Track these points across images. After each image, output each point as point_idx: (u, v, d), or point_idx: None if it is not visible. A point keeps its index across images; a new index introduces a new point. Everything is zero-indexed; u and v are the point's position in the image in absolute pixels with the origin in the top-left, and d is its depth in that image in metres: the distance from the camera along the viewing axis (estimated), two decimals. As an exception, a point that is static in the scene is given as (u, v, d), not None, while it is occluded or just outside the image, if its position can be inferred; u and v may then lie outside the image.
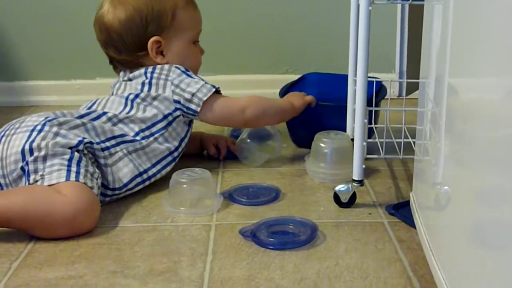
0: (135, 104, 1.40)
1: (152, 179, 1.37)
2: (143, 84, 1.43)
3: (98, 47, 2.08)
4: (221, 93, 1.45)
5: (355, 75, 1.47)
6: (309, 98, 1.54)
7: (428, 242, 1.01)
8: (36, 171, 1.22)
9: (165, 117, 1.41)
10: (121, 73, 1.49)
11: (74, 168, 1.22)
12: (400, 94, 1.60)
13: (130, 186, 1.33)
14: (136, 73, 1.45)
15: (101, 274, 1.05)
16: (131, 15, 1.42)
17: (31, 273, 1.06)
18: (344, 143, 1.42)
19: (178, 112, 1.42)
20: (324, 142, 1.42)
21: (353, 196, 1.28)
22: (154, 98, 1.41)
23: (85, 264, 1.08)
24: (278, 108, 1.50)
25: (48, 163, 1.22)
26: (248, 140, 1.51)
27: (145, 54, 1.45)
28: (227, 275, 1.04)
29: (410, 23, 1.57)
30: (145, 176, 1.36)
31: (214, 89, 1.42)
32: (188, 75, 1.43)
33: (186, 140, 1.45)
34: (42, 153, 1.23)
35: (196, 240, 1.16)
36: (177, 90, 1.41)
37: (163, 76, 1.43)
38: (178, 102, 1.41)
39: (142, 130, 1.38)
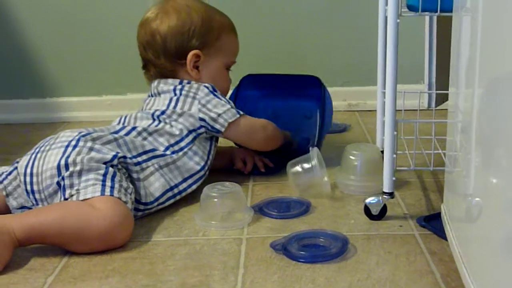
0: (161, 119, 1.43)
1: (183, 194, 1.39)
2: (170, 100, 1.45)
3: (128, 64, 2.12)
4: (243, 115, 1.48)
5: (384, 87, 1.47)
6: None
7: (460, 254, 1.00)
8: (71, 186, 1.24)
9: (190, 132, 1.43)
10: (152, 84, 1.51)
11: (108, 183, 1.24)
12: (429, 106, 1.60)
13: (161, 200, 1.35)
14: (165, 88, 1.47)
15: (134, 288, 1.06)
16: (181, 23, 1.46)
17: (65, 288, 1.07)
18: (374, 155, 1.42)
19: (202, 129, 1.44)
20: (354, 154, 1.42)
21: (384, 209, 1.28)
22: (180, 115, 1.43)
23: (118, 278, 1.10)
24: (281, 133, 1.55)
25: (83, 178, 1.24)
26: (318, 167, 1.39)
27: (182, 64, 1.48)
28: (259, 288, 1.05)
29: (438, 34, 1.57)
30: (176, 190, 1.37)
31: (238, 115, 1.45)
32: (215, 96, 1.45)
33: (212, 153, 1.47)
34: (78, 168, 1.25)
35: (227, 253, 1.17)
36: (204, 109, 1.43)
37: (191, 94, 1.45)
38: (203, 120, 1.43)
39: (172, 145, 1.40)
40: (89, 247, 1.18)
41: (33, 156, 1.32)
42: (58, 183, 1.26)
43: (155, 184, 1.34)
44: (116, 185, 1.24)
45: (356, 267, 1.10)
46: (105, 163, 1.27)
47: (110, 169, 1.27)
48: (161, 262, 1.15)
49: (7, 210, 1.32)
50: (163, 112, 1.44)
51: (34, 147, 1.35)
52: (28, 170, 1.30)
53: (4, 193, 1.32)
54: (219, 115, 1.43)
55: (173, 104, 1.44)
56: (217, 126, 1.44)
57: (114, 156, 1.29)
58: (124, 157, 1.31)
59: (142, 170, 1.34)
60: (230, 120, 1.44)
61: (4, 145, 1.94)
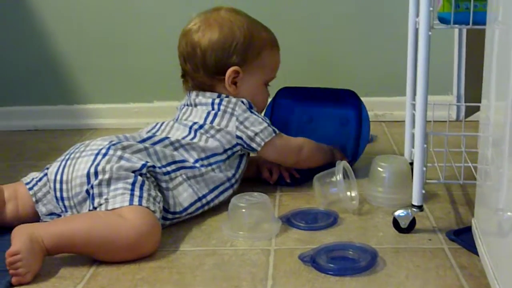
0: (198, 134, 1.42)
1: (211, 204, 1.39)
2: (208, 113, 1.45)
3: (155, 72, 2.14)
4: (280, 133, 1.48)
5: (413, 98, 1.47)
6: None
7: (492, 269, 0.99)
8: (100, 194, 1.25)
9: (225, 151, 1.43)
10: (188, 95, 1.51)
11: (137, 192, 1.24)
12: (458, 117, 1.60)
13: (190, 210, 1.35)
14: (203, 100, 1.47)
15: (163, 298, 1.07)
16: (223, 38, 1.45)
17: (95, 296, 1.08)
18: (402, 167, 1.41)
19: (238, 147, 1.44)
20: (382, 166, 1.41)
21: (413, 222, 1.27)
22: (218, 131, 1.43)
23: (147, 287, 1.10)
24: (324, 153, 1.55)
25: (112, 187, 1.25)
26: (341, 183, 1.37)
27: (220, 79, 1.47)
28: (287, 300, 1.05)
29: (467, 46, 1.56)
30: (204, 201, 1.38)
31: (274, 134, 1.45)
32: (252, 112, 1.45)
33: (242, 167, 1.47)
34: (107, 176, 1.26)
35: (255, 264, 1.17)
36: (241, 127, 1.43)
37: (229, 110, 1.44)
38: (240, 138, 1.43)
39: (201, 159, 1.40)
40: (117, 256, 1.19)
41: (63, 163, 1.33)
42: (87, 191, 1.27)
43: (183, 194, 1.35)
44: (145, 194, 1.25)
45: (385, 281, 1.09)
46: (134, 171, 1.28)
47: (139, 178, 1.27)
48: (190, 272, 1.15)
49: (36, 216, 1.33)
50: (201, 126, 1.43)
51: (64, 153, 1.36)
52: (58, 177, 1.31)
53: (34, 199, 1.34)
54: (256, 134, 1.43)
55: (210, 118, 1.44)
56: (254, 145, 1.44)
57: (143, 165, 1.30)
58: (153, 166, 1.32)
59: (171, 179, 1.34)
60: (266, 140, 1.44)
61: (33, 151, 1.95)
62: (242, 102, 1.45)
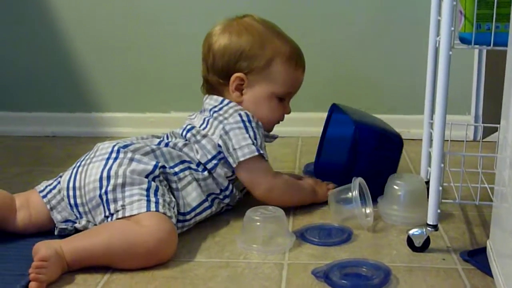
0: (187, 138, 1.43)
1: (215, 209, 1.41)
2: (204, 120, 1.45)
3: (172, 82, 2.15)
4: (263, 157, 1.42)
5: (431, 117, 1.47)
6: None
7: (507, 292, 0.99)
8: (115, 200, 1.26)
9: (212, 158, 1.40)
10: (203, 99, 1.51)
11: (153, 198, 1.25)
12: (475, 138, 1.59)
13: (198, 210, 1.36)
14: (207, 105, 1.47)
15: (176, 308, 1.07)
16: (230, 45, 1.45)
17: (107, 304, 1.08)
18: (418, 186, 1.41)
19: (222, 155, 1.41)
20: (398, 184, 1.41)
21: (427, 241, 1.27)
22: (204, 136, 1.42)
23: (159, 297, 1.10)
24: (301, 197, 1.48)
25: (127, 192, 1.26)
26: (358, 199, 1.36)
27: (226, 84, 1.47)
28: (299, 315, 1.04)
29: (487, 66, 1.56)
30: (210, 200, 1.39)
31: (256, 153, 1.39)
32: (245, 126, 1.41)
33: (236, 180, 1.44)
34: (120, 180, 1.27)
35: (269, 278, 1.17)
36: (225, 137, 1.40)
37: (220, 118, 1.43)
38: (220, 146, 1.41)
39: (201, 163, 1.40)
40: (136, 264, 1.19)
41: (75, 170, 1.34)
42: (100, 196, 1.28)
43: (192, 194, 1.36)
44: (160, 200, 1.26)
45: (398, 299, 1.09)
46: (147, 175, 1.29)
47: (153, 183, 1.28)
48: (203, 284, 1.15)
49: (51, 223, 1.34)
50: (189, 130, 1.43)
51: (76, 161, 1.37)
52: (71, 184, 1.32)
53: (48, 206, 1.34)
54: (234, 149, 1.39)
55: (204, 125, 1.44)
56: (230, 160, 1.40)
57: (155, 166, 1.31)
58: (164, 167, 1.33)
59: (180, 180, 1.35)
60: (242, 158, 1.39)
61: (49, 158, 1.96)
62: (240, 114, 1.43)
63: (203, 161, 1.40)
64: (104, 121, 2.21)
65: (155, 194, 1.27)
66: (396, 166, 1.55)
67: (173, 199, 1.31)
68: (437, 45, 1.27)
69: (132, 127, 2.19)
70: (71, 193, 1.32)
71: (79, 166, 1.34)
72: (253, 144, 1.40)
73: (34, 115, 2.22)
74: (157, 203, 1.25)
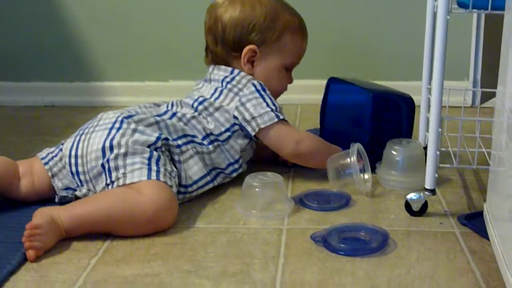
0: (199, 109, 1.43)
1: (219, 181, 1.41)
2: (215, 89, 1.45)
3: (171, 51, 2.15)
4: (285, 120, 1.43)
5: (429, 83, 1.47)
6: None
7: (502, 253, 1.00)
8: (117, 168, 1.27)
9: (225, 131, 1.41)
10: (208, 69, 1.50)
11: (154, 167, 1.26)
12: (473, 103, 1.59)
13: (200, 184, 1.37)
14: (217, 76, 1.47)
15: (176, 273, 1.08)
16: (243, 16, 1.45)
17: (108, 270, 1.09)
18: (416, 151, 1.42)
19: (236, 127, 1.42)
20: (396, 150, 1.42)
21: (425, 205, 1.28)
22: (217, 109, 1.42)
23: (160, 262, 1.12)
24: (330, 152, 1.45)
25: (129, 160, 1.27)
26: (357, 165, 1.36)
27: (237, 56, 1.46)
28: (298, 279, 1.06)
29: (486, 31, 1.55)
30: (213, 173, 1.39)
31: (276, 119, 1.41)
32: (261, 95, 1.42)
33: (248, 152, 1.46)
34: (122, 150, 1.28)
35: (268, 243, 1.18)
36: (241, 108, 1.41)
37: (235, 89, 1.43)
38: (236, 118, 1.41)
39: (208, 135, 1.40)
40: (136, 231, 1.20)
41: (78, 138, 1.34)
42: (102, 165, 1.28)
43: (194, 168, 1.36)
44: (161, 169, 1.26)
45: (395, 262, 1.10)
46: (149, 146, 1.30)
47: (155, 152, 1.29)
48: (202, 249, 1.16)
49: (52, 191, 1.35)
50: (201, 102, 1.43)
51: (78, 129, 1.38)
52: (73, 152, 1.33)
53: (49, 174, 1.35)
54: (253, 117, 1.40)
55: (216, 95, 1.44)
56: (249, 129, 1.41)
57: (158, 138, 1.31)
58: (167, 139, 1.33)
59: (182, 153, 1.36)
60: (263, 126, 1.40)
61: (49, 127, 1.97)
62: (254, 84, 1.43)
63: (216, 133, 1.40)
64: (103, 90, 2.21)
65: (157, 163, 1.27)
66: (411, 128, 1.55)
67: (175, 169, 1.32)
68: (435, 10, 1.26)
69: (131, 95, 2.19)
70: (73, 161, 1.33)
71: (81, 134, 1.34)
72: (271, 110, 1.41)
73: (32, 85, 2.22)
74: (158, 171, 1.26)
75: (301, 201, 1.34)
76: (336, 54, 2.13)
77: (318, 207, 1.32)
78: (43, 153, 1.39)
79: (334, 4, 2.10)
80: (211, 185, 1.40)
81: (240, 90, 1.43)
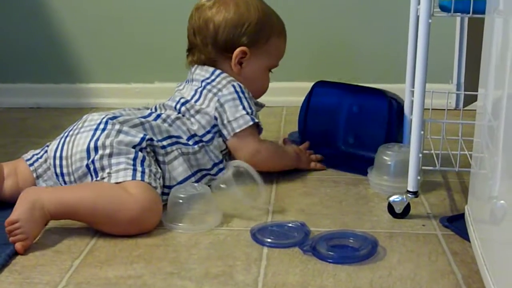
0: (182, 110, 1.44)
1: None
2: (195, 91, 1.46)
3: (157, 52, 2.15)
4: (258, 125, 1.46)
5: (412, 85, 1.48)
6: (315, 165, 1.55)
7: (483, 256, 1.00)
8: (102, 168, 1.27)
9: (207, 132, 1.42)
10: (191, 70, 1.51)
11: (139, 168, 1.26)
12: (457, 106, 1.60)
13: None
14: (197, 76, 1.48)
15: (159, 275, 1.08)
16: (237, 18, 1.46)
17: (91, 271, 1.09)
18: (407, 156, 1.41)
19: (217, 128, 1.44)
20: (387, 155, 1.42)
21: (407, 207, 1.28)
22: (197, 112, 1.43)
23: (143, 264, 1.12)
24: (285, 161, 1.51)
25: (114, 160, 1.27)
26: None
27: (227, 57, 1.48)
28: (280, 280, 1.06)
29: (468, 35, 1.56)
30: (199, 174, 1.39)
31: (251, 123, 1.42)
32: (239, 97, 1.44)
33: (226, 154, 1.46)
34: (107, 151, 1.28)
35: (250, 245, 1.18)
36: (220, 109, 1.42)
37: (214, 90, 1.44)
38: (216, 119, 1.43)
39: (193, 136, 1.41)
40: (118, 229, 1.21)
41: (63, 140, 1.35)
42: (87, 166, 1.29)
43: (178, 169, 1.36)
44: (146, 170, 1.27)
45: (377, 264, 1.11)
46: (134, 146, 1.30)
47: (140, 153, 1.29)
48: (185, 251, 1.17)
49: (36, 192, 1.34)
50: (183, 104, 1.44)
51: (63, 131, 1.38)
52: (58, 154, 1.33)
53: (34, 175, 1.35)
54: (229, 121, 1.42)
55: (196, 96, 1.45)
56: (225, 132, 1.43)
57: (142, 139, 1.31)
58: (151, 139, 1.33)
59: (167, 154, 1.36)
60: (237, 130, 1.42)
61: (35, 129, 1.97)
62: (233, 85, 1.44)
63: (199, 134, 1.41)
64: (89, 92, 2.21)
65: (142, 164, 1.28)
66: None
67: (159, 170, 1.32)
68: (418, 13, 1.27)
69: (117, 97, 2.19)
70: (57, 162, 1.33)
71: (66, 136, 1.35)
72: (247, 114, 1.43)
73: (18, 86, 2.22)
74: (143, 172, 1.26)
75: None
76: (322, 57, 2.14)
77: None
78: (28, 155, 1.39)
79: (319, 7, 2.11)
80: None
81: (220, 90, 1.44)
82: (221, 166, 1.44)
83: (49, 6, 2.15)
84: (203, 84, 1.46)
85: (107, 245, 1.19)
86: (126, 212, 1.20)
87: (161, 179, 1.31)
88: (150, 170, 1.28)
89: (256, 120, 1.44)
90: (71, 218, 1.22)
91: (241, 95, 1.44)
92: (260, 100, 1.55)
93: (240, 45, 1.47)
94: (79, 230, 1.23)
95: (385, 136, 1.52)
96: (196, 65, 1.50)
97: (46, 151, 1.37)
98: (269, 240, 1.19)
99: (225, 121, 1.42)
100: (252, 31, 1.47)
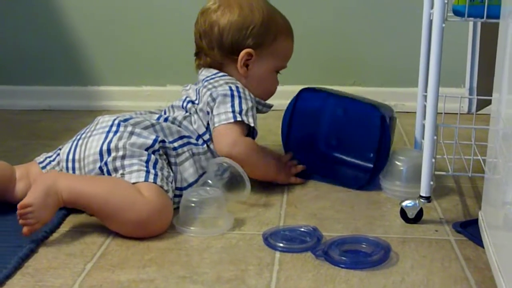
0: (188, 109, 1.44)
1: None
2: (197, 91, 1.46)
3: (169, 56, 2.15)
4: (242, 123, 1.40)
5: (425, 90, 1.47)
6: (295, 180, 1.50)
7: (497, 262, 1.00)
8: (115, 169, 1.28)
9: (207, 129, 1.42)
10: (199, 71, 1.52)
11: (152, 170, 1.27)
12: (469, 110, 1.59)
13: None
14: (202, 77, 1.48)
15: (171, 278, 1.08)
16: (242, 20, 1.46)
17: (104, 275, 1.10)
18: (420, 161, 1.41)
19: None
20: (400, 160, 1.41)
21: (420, 212, 1.28)
22: (200, 110, 1.43)
23: (155, 268, 1.12)
24: (262, 164, 1.44)
25: (127, 162, 1.28)
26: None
27: (233, 59, 1.48)
28: (293, 285, 1.06)
29: (481, 39, 1.56)
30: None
31: (232, 120, 1.38)
32: (231, 96, 1.40)
33: None
34: (120, 153, 1.28)
35: (263, 249, 1.18)
36: (211, 104, 1.41)
37: (209, 86, 1.44)
38: (208, 114, 1.42)
39: (200, 135, 1.41)
40: (126, 229, 1.21)
41: (75, 143, 1.35)
42: (100, 168, 1.29)
43: (189, 170, 1.36)
44: (159, 173, 1.27)
45: (390, 270, 1.11)
46: (147, 149, 1.30)
47: (152, 156, 1.30)
48: (197, 255, 1.17)
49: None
50: (189, 102, 1.45)
51: (76, 134, 1.38)
52: (70, 156, 1.34)
53: (46, 178, 1.36)
54: (213, 115, 1.40)
55: (196, 97, 1.46)
56: (211, 127, 1.42)
57: (155, 140, 1.32)
58: (163, 141, 1.34)
59: (178, 155, 1.36)
60: (216, 125, 1.38)
61: (46, 131, 1.97)
62: (230, 86, 1.43)
63: (200, 132, 1.41)
64: (101, 95, 2.21)
65: (154, 167, 1.28)
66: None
67: (171, 173, 1.32)
68: (431, 17, 1.27)
69: (129, 100, 2.19)
70: (70, 165, 1.33)
71: (79, 139, 1.35)
72: (232, 112, 1.39)
73: (30, 89, 2.23)
74: (155, 175, 1.26)
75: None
76: (334, 60, 2.14)
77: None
78: (40, 158, 1.40)
79: (330, 10, 2.11)
80: None
81: (215, 87, 1.43)
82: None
83: (62, 9, 2.16)
84: (203, 82, 1.47)
85: (119, 248, 1.19)
86: (135, 213, 1.20)
87: (173, 183, 1.31)
88: (163, 174, 1.28)
89: (239, 119, 1.39)
90: (82, 208, 1.23)
91: (235, 93, 1.42)
92: (269, 101, 1.54)
93: (245, 47, 1.47)
94: (91, 233, 1.24)
95: (376, 150, 1.46)
96: (203, 68, 1.51)
97: (58, 154, 1.38)
98: (281, 244, 1.19)
99: (211, 115, 1.41)
100: (257, 33, 1.47)
